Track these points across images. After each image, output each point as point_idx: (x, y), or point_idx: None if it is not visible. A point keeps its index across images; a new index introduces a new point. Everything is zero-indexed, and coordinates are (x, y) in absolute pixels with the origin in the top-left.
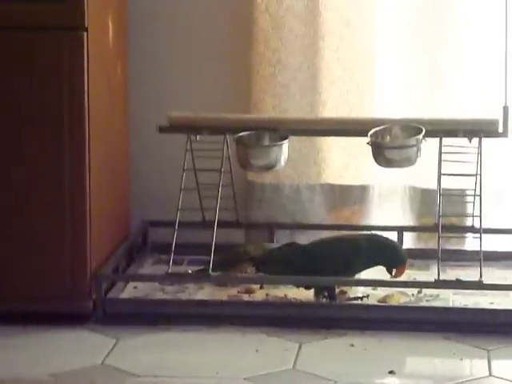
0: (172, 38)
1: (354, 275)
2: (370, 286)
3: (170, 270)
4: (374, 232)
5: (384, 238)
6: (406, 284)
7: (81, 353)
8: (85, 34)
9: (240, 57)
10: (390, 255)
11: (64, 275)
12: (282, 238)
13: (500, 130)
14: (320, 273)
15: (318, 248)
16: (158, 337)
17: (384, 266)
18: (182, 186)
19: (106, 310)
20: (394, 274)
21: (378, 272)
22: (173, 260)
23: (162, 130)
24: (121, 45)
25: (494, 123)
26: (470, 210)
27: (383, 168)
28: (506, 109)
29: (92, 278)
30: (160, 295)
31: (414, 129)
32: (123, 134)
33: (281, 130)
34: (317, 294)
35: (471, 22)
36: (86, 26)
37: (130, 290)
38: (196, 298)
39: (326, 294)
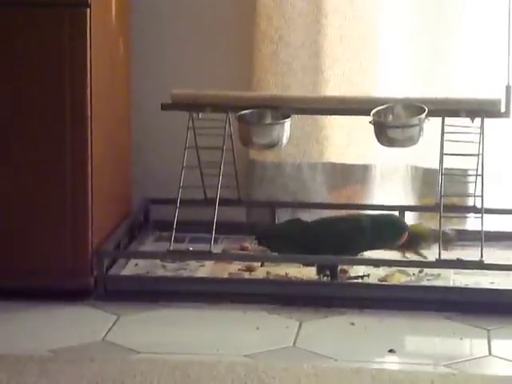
0: (174, 15)
1: (356, 254)
2: (372, 265)
3: (171, 248)
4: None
5: (385, 215)
6: (407, 263)
7: (81, 329)
8: (88, 10)
9: (242, 34)
10: (392, 232)
11: (65, 252)
12: (283, 217)
13: (502, 109)
14: (323, 251)
15: (321, 226)
16: (158, 314)
17: (388, 243)
18: (184, 164)
19: (107, 287)
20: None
21: (380, 252)
22: (174, 237)
23: (164, 107)
24: (123, 22)
25: (496, 103)
26: (471, 189)
27: (385, 147)
28: (508, 88)
29: (93, 255)
30: (161, 272)
31: (416, 108)
32: (125, 112)
33: (283, 108)
34: (319, 272)
35: (474, 1)
36: (89, 2)
37: (131, 267)
38: (197, 276)
39: (328, 272)
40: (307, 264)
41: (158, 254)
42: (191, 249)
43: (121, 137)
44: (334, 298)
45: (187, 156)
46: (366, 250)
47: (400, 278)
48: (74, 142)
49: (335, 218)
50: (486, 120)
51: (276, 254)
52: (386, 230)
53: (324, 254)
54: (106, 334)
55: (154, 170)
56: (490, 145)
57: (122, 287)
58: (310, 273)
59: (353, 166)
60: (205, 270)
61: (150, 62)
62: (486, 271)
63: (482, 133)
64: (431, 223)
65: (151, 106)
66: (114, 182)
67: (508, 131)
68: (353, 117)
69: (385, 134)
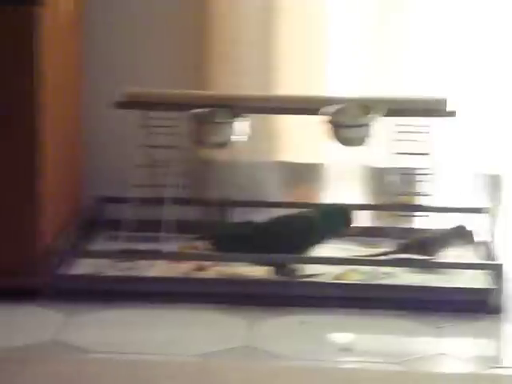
0: (127, 13)
1: (311, 249)
2: (326, 263)
3: (122, 247)
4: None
5: (331, 205)
6: (360, 262)
7: (32, 329)
8: (40, 8)
9: (194, 33)
10: (340, 220)
11: (15, 250)
12: (235, 216)
13: (451, 108)
14: (276, 250)
15: (272, 225)
16: (109, 313)
17: (337, 231)
18: (137, 163)
19: (58, 286)
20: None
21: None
22: (125, 237)
23: (117, 105)
24: (76, 19)
25: (445, 102)
26: (423, 188)
27: (338, 146)
28: (456, 88)
29: (44, 254)
30: (112, 272)
31: (367, 108)
32: (77, 110)
33: (235, 107)
34: (277, 271)
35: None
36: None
37: (81, 266)
38: (148, 275)
39: (283, 271)
40: (259, 263)
41: (109, 253)
42: (142, 248)
43: (72, 135)
44: (286, 296)
45: (139, 155)
46: (318, 242)
47: (353, 276)
48: (23, 141)
49: (284, 216)
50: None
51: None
52: (335, 219)
53: (275, 252)
54: (55, 334)
55: (105, 169)
56: (439, 143)
57: (72, 286)
58: (262, 272)
59: (306, 164)
60: (156, 269)
61: (101, 60)
62: (437, 269)
63: (431, 132)
64: (383, 222)
65: (103, 104)
66: (64, 180)
67: (457, 129)
68: (305, 116)
69: (338, 133)
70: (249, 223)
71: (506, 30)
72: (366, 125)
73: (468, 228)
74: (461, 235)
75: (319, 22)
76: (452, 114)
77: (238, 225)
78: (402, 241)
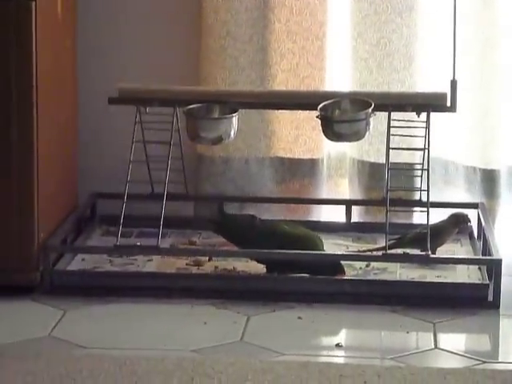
0: (121, 9)
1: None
2: (320, 259)
3: (118, 242)
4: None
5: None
6: (354, 257)
7: (28, 324)
8: (33, 3)
9: (189, 28)
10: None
11: (11, 246)
12: (231, 211)
13: (448, 104)
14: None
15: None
16: (105, 309)
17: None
18: (131, 158)
19: (54, 282)
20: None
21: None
22: (121, 232)
23: (111, 101)
24: (70, 15)
25: (442, 97)
26: (417, 184)
27: (332, 142)
28: (454, 83)
29: (40, 250)
30: (108, 267)
31: (363, 103)
32: (72, 106)
33: (230, 102)
34: (269, 270)
35: None
36: None
37: (77, 262)
38: (144, 271)
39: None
40: (255, 259)
41: (105, 248)
42: (139, 243)
43: (67, 130)
44: (281, 292)
45: (134, 150)
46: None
47: (347, 272)
48: (20, 136)
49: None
50: (432, 114)
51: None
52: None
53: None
54: (52, 330)
55: (101, 165)
56: (436, 138)
57: (68, 282)
58: (257, 267)
59: (300, 160)
60: (152, 264)
61: (96, 56)
62: (431, 265)
63: (427, 127)
64: (378, 217)
65: (98, 100)
66: (60, 176)
67: (455, 125)
68: (300, 111)
69: (331, 128)
70: (252, 217)
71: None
72: (359, 120)
73: (462, 213)
74: (457, 222)
75: (314, 17)
76: (452, 109)
77: (244, 216)
78: (400, 235)
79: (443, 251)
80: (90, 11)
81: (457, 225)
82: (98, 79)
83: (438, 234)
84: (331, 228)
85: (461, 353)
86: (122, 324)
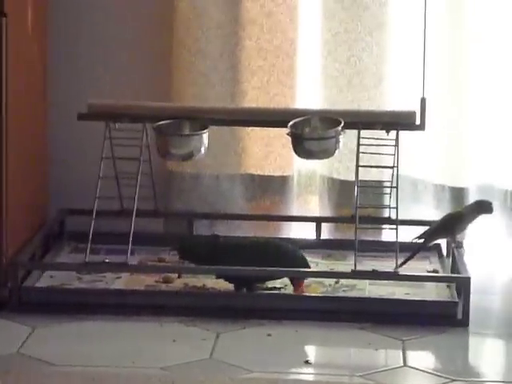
0: (93, 25)
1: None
2: (289, 276)
3: (87, 259)
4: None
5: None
6: (323, 274)
7: None
8: (4, 19)
9: (160, 45)
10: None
11: None
12: (200, 228)
13: (417, 122)
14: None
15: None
16: (74, 326)
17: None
18: (101, 175)
19: (22, 299)
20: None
21: None
22: (90, 249)
23: (80, 117)
24: (41, 31)
25: (411, 116)
26: (386, 201)
27: (303, 159)
28: (423, 101)
29: (8, 266)
30: (77, 284)
31: (333, 120)
32: (42, 122)
33: (201, 119)
34: (237, 288)
35: (390, 12)
36: (5, 11)
37: (46, 279)
38: (113, 288)
39: (246, 287)
40: (222, 276)
41: (74, 265)
42: (107, 260)
43: (36, 147)
44: (251, 309)
45: (104, 167)
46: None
47: (316, 289)
48: None
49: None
50: (401, 132)
51: (193, 265)
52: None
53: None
54: (20, 347)
55: (70, 181)
56: (405, 156)
57: (36, 299)
58: (227, 284)
59: (271, 177)
60: (121, 281)
61: (66, 71)
62: (400, 282)
63: (397, 145)
64: (347, 234)
65: (68, 116)
66: (29, 192)
67: (424, 142)
68: (271, 128)
69: (302, 145)
70: (215, 237)
71: (469, 45)
72: (329, 137)
73: (487, 201)
74: (480, 209)
75: (285, 35)
76: (421, 127)
77: (205, 238)
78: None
79: (411, 268)
80: (61, 26)
81: (480, 212)
82: (67, 95)
83: (461, 219)
84: (301, 245)
85: (430, 370)
86: (90, 341)
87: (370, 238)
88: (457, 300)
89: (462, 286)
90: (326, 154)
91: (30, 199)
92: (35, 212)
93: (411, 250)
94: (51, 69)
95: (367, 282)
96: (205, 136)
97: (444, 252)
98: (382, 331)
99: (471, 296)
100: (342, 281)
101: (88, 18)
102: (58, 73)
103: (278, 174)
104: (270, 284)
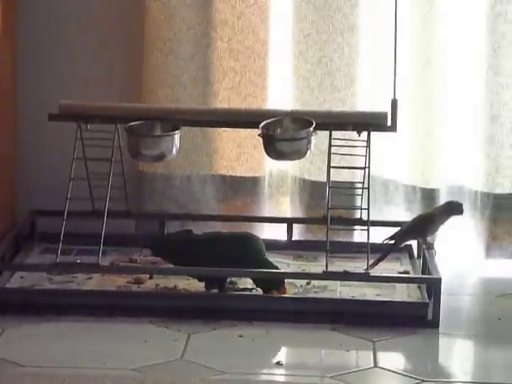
0: (63, 25)
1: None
2: (261, 277)
3: (58, 260)
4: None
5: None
6: (294, 275)
7: None
8: None
9: (131, 46)
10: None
11: None
12: (172, 229)
13: (389, 123)
14: (212, 265)
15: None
16: (44, 327)
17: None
18: (72, 175)
19: None
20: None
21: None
22: (61, 250)
23: (51, 117)
24: (10, 32)
25: (382, 117)
26: (358, 202)
27: (274, 160)
28: (394, 102)
29: None
30: (47, 285)
31: (304, 121)
32: (11, 122)
33: (172, 120)
34: (207, 286)
35: (361, 13)
36: None
37: (16, 280)
38: (84, 289)
39: (217, 286)
40: (197, 278)
41: (45, 266)
42: (79, 261)
43: (5, 147)
44: (222, 310)
45: (75, 167)
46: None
47: (288, 290)
48: None
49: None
50: (373, 133)
51: (167, 265)
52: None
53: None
54: None
55: (40, 182)
56: (377, 157)
57: (7, 300)
58: (198, 285)
59: (242, 178)
60: (92, 282)
61: (37, 72)
62: (372, 283)
63: (368, 146)
64: (319, 235)
65: (38, 116)
66: None
67: (396, 143)
68: (242, 129)
69: (273, 146)
70: (188, 231)
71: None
72: (301, 138)
73: (456, 202)
74: (451, 211)
75: (256, 35)
76: (393, 128)
77: (177, 234)
78: (398, 231)
79: (382, 269)
80: (30, 26)
81: (450, 213)
82: (38, 96)
83: (432, 221)
84: (272, 246)
85: (400, 371)
86: (61, 342)
87: (342, 239)
88: (427, 301)
89: (433, 286)
90: (298, 154)
91: (0, 200)
92: (5, 213)
93: (382, 251)
94: (21, 69)
95: (339, 283)
96: (176, 137)
97: (415, 253)
98: (352, 332)
99: (442, 297)
100: (314, 282)
101: (57, 18)
102: (28, 73)
103: (249, 174)
104: (241, 285)
